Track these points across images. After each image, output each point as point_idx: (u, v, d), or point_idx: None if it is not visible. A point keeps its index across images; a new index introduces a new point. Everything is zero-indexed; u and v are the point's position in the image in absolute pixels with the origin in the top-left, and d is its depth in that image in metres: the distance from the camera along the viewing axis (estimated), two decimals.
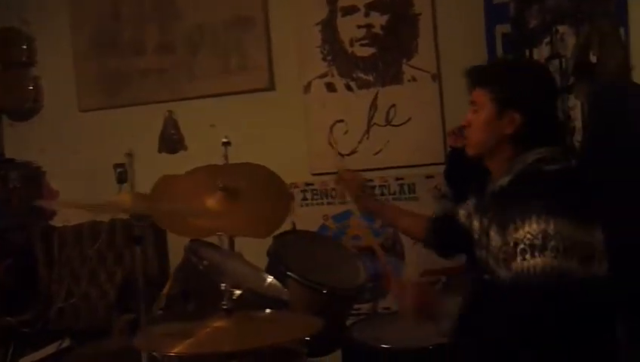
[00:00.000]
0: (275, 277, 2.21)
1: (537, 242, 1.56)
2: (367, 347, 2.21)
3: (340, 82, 3.49)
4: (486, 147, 1.81)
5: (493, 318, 1.62)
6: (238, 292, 1.41)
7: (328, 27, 3.48)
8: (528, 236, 1.58)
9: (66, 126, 3.79)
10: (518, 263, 1.60)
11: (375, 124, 3.46)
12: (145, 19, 3.68)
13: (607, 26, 2.26)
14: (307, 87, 3.51)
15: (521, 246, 1.59)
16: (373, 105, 3.46)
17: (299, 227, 3.19)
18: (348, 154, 3.50)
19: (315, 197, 3.54)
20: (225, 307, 1.32)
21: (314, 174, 3.55)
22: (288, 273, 2.19)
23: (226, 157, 2.66)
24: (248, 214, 2.19)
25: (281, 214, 2.18)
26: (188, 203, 2.20)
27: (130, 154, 3.67)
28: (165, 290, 1.79)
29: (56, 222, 3.73)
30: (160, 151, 3.73)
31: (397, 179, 3.45)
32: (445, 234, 2.17)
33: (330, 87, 3.50)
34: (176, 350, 1.20)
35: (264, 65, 3.55)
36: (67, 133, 3.80)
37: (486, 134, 1.78)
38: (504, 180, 1.76)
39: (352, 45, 3.46)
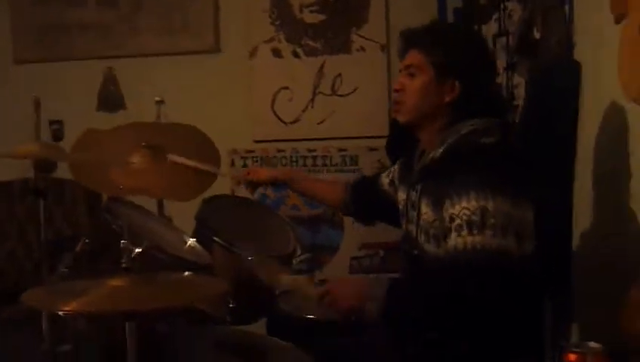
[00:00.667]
0: (201, 242, 2.14)
1: (475, 219, 1.50)
2: (291, 317, 2.16)
3: (287, 48, 3.41)
4: (420, 114, 1.72)
5: (421, 295, 1.57)
6: (137, 250, 1.33)
7: None
8: (465, 212, 1.52)
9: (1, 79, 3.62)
10: (452, 240, 1.54)
11: (320, 93, 3.40)
12: None
13: (551, 2, 2.21)
14: (253, 52, 3.42)
15: (457, 221, 1.53)
16: (320, 74, 3.39)
17: (237, 194, 3.13)
18: (291, 123, 3.44)
19: (256, 164, 3.46)
20: (124, 265, 1.25)
21: (256, 141, 3.48)
22: (214, 238, 2.12)
23: (158, 116, 2.58)
24: (172, 175, 2.12)
25: (207, 178, 2.11)
26: (113, 160, 2.11)
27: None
28: (78, 248, 1.70)
29: None
30: (98, 109, 3.60)
31: (340, 150, 3.41)
32: (364, 199, 2.12)
33: (277, 53, 3.42)
34: (66, 307, 1.12)
35: (210, 26, 3.44)
36: (1, 86, 3.62)
37: (422, 100, 1.70)
38: (436, 152, 1.69)
39: (301, 11, 3.38)
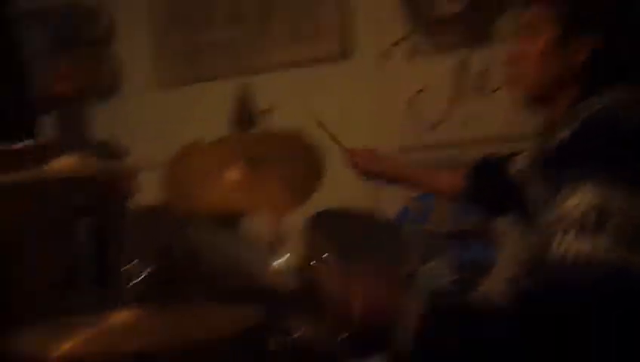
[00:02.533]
0: (305, 261, 1.90)
1: (589, 220, 1.12)
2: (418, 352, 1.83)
3: (421, 46, 3.08)
4: (543, 85, 1.39)
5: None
6: (147, 270, 1.11)
7: None
8: (579, 210, 1.14)
9: (144, 103, 3.70)
10: (558, 245, 1.17)
11: (463, 92, 3.03)
12: None
13: None
14: (385, 54, 3.14)
15: (567, 222, 1.15)
16: (461, 71, 3.02)
17: (379, 207, 2.87)
18: (431, 127, 3.10)
19: None
20: (134, 291, 1.04)
21: (399, 149, 3.17)
22: (320, 256, 1.87)
23: (265, 125, 2.41)
24: (270, 189, 1.90)
25: (306, 191, 1.87)
26: (206, 176, 1.95)
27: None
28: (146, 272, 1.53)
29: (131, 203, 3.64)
30: (233, 127, 3.52)
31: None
32: (487, 186, 1.76)
33: (411, 53, 3.10)
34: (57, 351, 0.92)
35: (337, 32, 3.22)
36: (145, 110, 3.70)
37: (546, 67, 1.37)
38: (565, 133, 1.32)
39: (434, 2, 3.05)
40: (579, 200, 1.14)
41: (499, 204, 1.81)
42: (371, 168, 2.09)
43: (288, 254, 1.72)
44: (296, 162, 1.97)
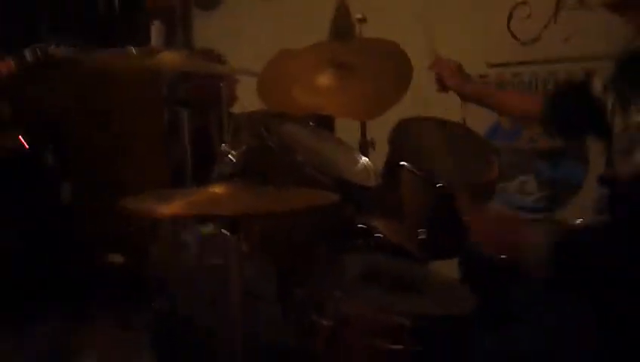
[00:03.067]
0: (389, 168, 1.99)
1: None
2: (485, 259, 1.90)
3: None
4: None
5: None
6: (233, 154, 1.23)
7: None
8: None
9: (245, 13, 3.80)
10: (636, 158, 1.19)
11: (565, 6, 2.93)
12: None
13: None
14: None
15: None
16: None
17: (469, 123, 2.88)
18: (530, 42, 3.03)
19: None
20: (222, 171, 1.17)
21: (490, 65, 3.14)
22: (400, 162, 1.95)
23: (358, 34, 2.46)
24: (355, 94, 1.98)
25: (392, 97, 1.92)
26: (299, 78, 2.04)
27: None
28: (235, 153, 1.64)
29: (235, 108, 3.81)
30: (332, 37, 3.58)
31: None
32: (569, 109, 1.74)
33: None
34: (163, 212, 1.08)
35: None
36: (247, 20, 3.80)
37: None
38: None
39: None
40: None
41: (578, 128, 1.80)
42: (451, 82, 2.09)
43: (368, 157, 1.79)
44: (386, 70, 2.02)
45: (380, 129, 2.22)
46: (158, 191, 1.17)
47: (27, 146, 3.22)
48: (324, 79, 2.00)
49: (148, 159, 2.94)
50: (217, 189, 1.14)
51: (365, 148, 2.32)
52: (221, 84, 3.74)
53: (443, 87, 2.14)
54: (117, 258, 2.92)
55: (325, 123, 2.98)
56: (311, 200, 1.24)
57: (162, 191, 1.17)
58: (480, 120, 3.03)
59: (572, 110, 1.77)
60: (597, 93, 1.68)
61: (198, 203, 1.11)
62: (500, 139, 3.09)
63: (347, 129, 2.59)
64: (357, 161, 1.86)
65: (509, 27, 3.06)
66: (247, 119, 3.21)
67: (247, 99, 2.80)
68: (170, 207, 1.09)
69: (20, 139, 3.21)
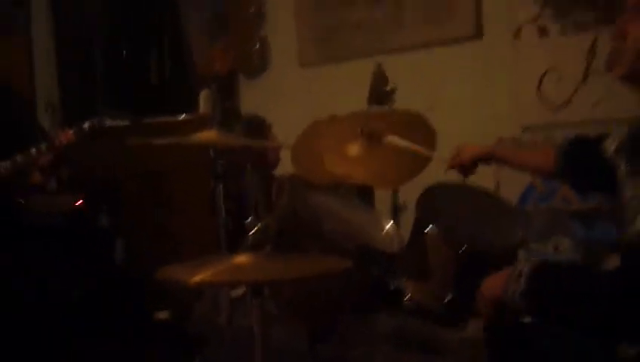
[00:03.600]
0: (417, 231, 2.10)
1: None
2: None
3: (553, 25, 3.10)
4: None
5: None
6: (259, 225, 1.36)
7: None
8: None
9: (288, 81, 4.00)
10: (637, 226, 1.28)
11: (594, 72, 3.02)
12: None
13: None
14: (517, 33, 3.19)
15: None
16: (592, 51, 3.01)
17: (503, 188, 2.96)
18: (560, 106, 3.12)
19: None
20: (249, 242, 1.30)
21: (523, 129, 3.24)
22: (427, 226, 2.05)
23: (390, 104, 2.60)
24: (384, 162, 2.10)
25: (417, 165, 2.04)
26: (330, 149, 2.18)
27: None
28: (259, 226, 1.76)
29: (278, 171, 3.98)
30: (369, 104, 3.72)
31: None
32: (581, 166, 1.80)
33: (542, 32, 3.13)
34: (195, 279, 1.22)
35: (471, 11, 3.31)
36: (289, 88, 4.00)
37: None
38: None
39: None
40: None
41: (590, 183, 1.85)
42: (465, 156, 2.09)
43: (392, 222, 1.89)
44: (412, 140, 2.14)
45: (414, 193, 2.33)
46: (193, 261, 1.30)
47: (85, 207, 3.45)
48: (354, 148, 2.13)
49: (197, 220, 3.10)
50: (243, 258, 1.27)
51: (397, 211, 2.43)
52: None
53: (464, 171, 2.15)
54: (163, 314, 3.07)
55: (365, 187, 3.12)
56: (327, 267, 1.36)
57: (196, 261, 1.30)
58: (515, 183, 3.13)
59: (583, 167, 1.81)
60: (609, 154, 1.75)
61: (225, 271, 1.24)
62: (534, 201, 3.16)
63: (383, 192, 2.71)
64: (383, 228, 1.97)
65: (539, 92, 3.16)
66: (288, 183, 3.37)
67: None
68: (200, 275, 1.22)
69: (78, 201, 3.44)
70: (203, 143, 2.00)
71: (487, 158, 2.08)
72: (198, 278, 1.21)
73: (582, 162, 1.81)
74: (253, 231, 1.38)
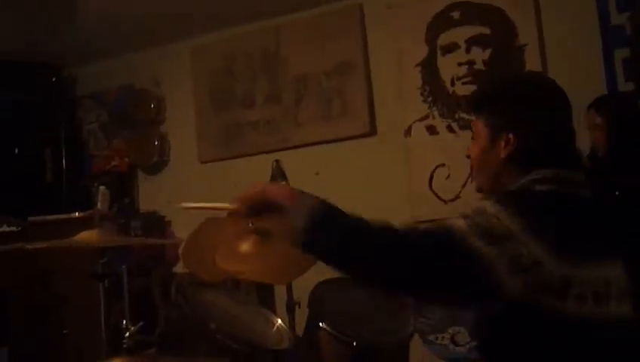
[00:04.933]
0: (309, 328, 2.08)
1: None
2: None
3: (441, 124, 3.29)
4: (486, 177, 1.58)
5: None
6: (133, 329, 1.32)
7: (429, 67, 3.32)
8: None
9: (188, 177, 3.99)
10: None
11: None
12: (255, 74, 3.79)
13: None
14: (408, 131, 3.35)
15: None
16: None
17: None
18: (451, 200, 3.26)
19: None
20: (125, 346, 1.25)
21: (416, 221, 3.33)
22: (319, 323, 2.04)
23: None
24: (275, 259, 2.09)
25: (307, 262, 2.04)
26: (222, 246, 2.16)
27: None
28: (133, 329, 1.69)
29: (177, 268, 3.89)
30: None
31: None
32: None
33: (432, 130, 3.31)
34: None
35: (365, 110, 3.46)
36: (189, 184, 3.98)
37: (483, 163, 1.57)
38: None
39: (453, 84, 3.26)
40: None
41: None
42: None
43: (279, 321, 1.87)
44: None
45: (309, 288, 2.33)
46: None
47: None
48: (246, 245, 2.12)
49: (85, 323, 2.97)
50: None
51: (292, 308, 2.41)
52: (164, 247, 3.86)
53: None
54: None
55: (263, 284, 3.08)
56: None
57: None
58: None
59: None
60: None
61: None
62: None
63: (282, 289, 2.69)
64: (273, 325, 1.95)
65: (430, 187, 3.29)
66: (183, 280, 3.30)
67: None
68: None
69: None
70: (81, 244, 1.93)
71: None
72: None
73: None
74: (128, 334, 1.32)
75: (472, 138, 1.59)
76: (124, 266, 2.41)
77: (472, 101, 1.71)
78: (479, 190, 1.62)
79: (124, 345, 1.28)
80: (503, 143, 1.51)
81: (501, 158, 1.51)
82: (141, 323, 1.38)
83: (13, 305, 3.50)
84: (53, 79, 4.08)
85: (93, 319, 2.68)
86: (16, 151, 3.85)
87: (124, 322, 1.35)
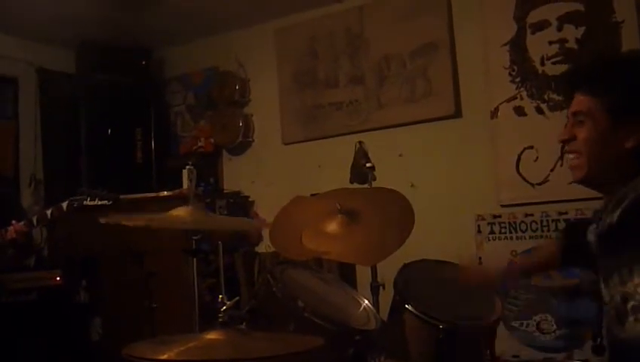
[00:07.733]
0: (394, 310, 2.08)
1: None
2: None
3: (529, 105, 3.19)
4: (598, 168, 1.43)
5: None
6: (229, 303, 1.35)
7: (517, 46, 3.22)
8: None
9: (272, 158, 4.04)
10: (630, 324, 1.28)
11: None
12: (338, 54, 3.79)
13: None
14: (494, 112, 3.27)
15: (632, 303, 1.27)
16: None
17: (485, 263, 2.95)
18: (539, 184, 3.17)
19: (503, 230, 3.25)
20: (220, 320, 1.28)
21: (502, 206, 3.27)
22: (405, 305, 2.03)
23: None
24: (361, 240, 2.10)
25: (393, 244, 2.03)
26: (309, 224, 2.18)
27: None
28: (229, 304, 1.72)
29: (260, 248, 3.96)
30: (351, 181, 3.75)
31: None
32: (571, 246, 1.77)
33: (520, 111, 3.22)
34: (162, 357, 1.19)
35: (450, 91, 3.40)
36: (272, 164, 4.03)
37: (598, 151, 1.41)
38: (613, 215, 1.37)
39: (543, 64, 3.16)
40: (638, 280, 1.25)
41: (572, 260, 1.84)
42: (481, 283, 2.03)
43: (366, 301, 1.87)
44: (389, 217, 2.15)
45: (394, 270, 2.32)
46: (164, 337, 1.27)
47: (63, 284, 3.41)
48: (332, 226, 2.13)
49: (175, 298, 3.07)
50: (214, 336, 1.25)
51: (376, 289, 2.41)
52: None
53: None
54: None
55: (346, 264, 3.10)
56: (300, 346, 1.33)
57: (166, 338, 1.27)
58: (497, 257, 3.13)
59: (570, 247, 1.81)
60: (589, 239, 1.75)
61: (194, 348, 1.22)
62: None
63: (364, 270, 2.70)
64: (359, 305, 1.95)
65: (518, 170, 3.21)
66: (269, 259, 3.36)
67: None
68: (166, 353, 1.19)
69: (56, 277, 3.41)
70: (176, 220, 1.99)
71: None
72: (165, 356, 1.18)
73: (570, 244, 1.81)
74: (224, 308, 1.36)
75: (579, 120, 1.44)
76: (219, 242, 2.47)
77: (585, 77, 1.49)
78: (581, 180, 1.49)
79: (220, 319, 1.32)
80: (626, 132, 1.38)
81: (625, 148, 1.38)
82: (237, 298, 1.42)
83: (107, 278, 3.67)
84: (144, 62, 4.20)
85: (181, 294, 2.78)
86: (109, 131, 4.00)
87: (220, 297, 1.39)
